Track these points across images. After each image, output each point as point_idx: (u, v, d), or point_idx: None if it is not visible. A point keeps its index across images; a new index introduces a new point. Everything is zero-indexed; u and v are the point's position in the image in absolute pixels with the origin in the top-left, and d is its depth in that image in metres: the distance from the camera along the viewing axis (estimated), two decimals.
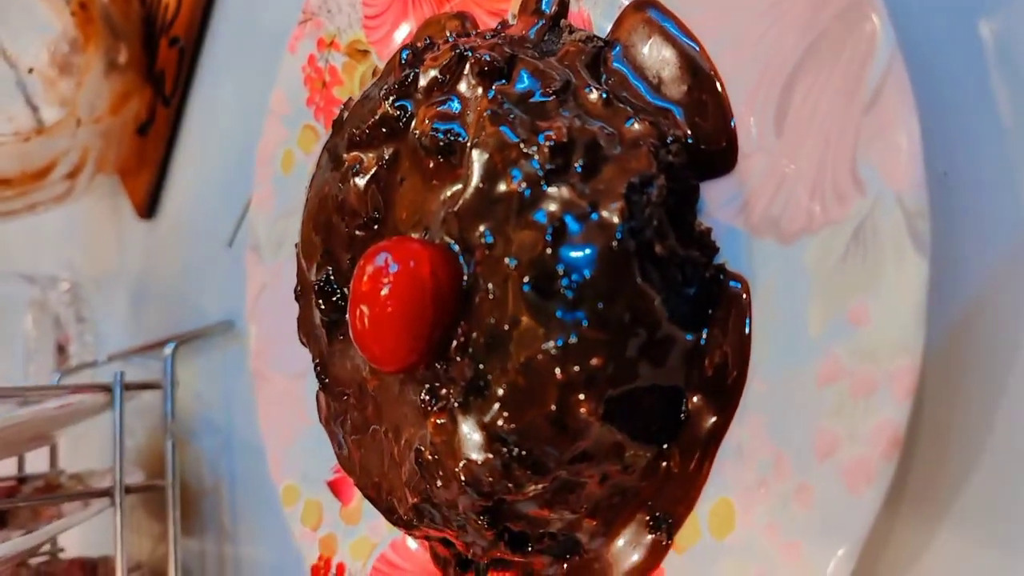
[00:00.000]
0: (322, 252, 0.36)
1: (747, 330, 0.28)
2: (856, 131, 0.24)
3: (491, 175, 0.29)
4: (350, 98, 0.37)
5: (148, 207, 0.69)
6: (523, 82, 0.30)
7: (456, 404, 0.30)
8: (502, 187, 0.29)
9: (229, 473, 0.57)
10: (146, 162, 0.68)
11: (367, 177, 0.34)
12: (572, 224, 0.28)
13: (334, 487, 0.44)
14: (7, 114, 0.69)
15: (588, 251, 0.27)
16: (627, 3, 0.32)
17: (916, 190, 0.23)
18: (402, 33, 0.43)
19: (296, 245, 0.40)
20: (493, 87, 0.30)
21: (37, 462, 0.69)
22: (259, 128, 0.57)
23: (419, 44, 0.35)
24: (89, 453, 0.71)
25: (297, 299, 0.40)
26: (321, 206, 0.37)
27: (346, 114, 0.37)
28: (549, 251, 0.28)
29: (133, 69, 0.65)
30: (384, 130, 0.33)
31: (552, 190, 0.28)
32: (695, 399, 0.29)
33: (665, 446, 0.30)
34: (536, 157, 0.28)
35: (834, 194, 0.25)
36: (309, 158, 0.47)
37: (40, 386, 0.52)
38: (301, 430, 0.46)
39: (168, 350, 0.54)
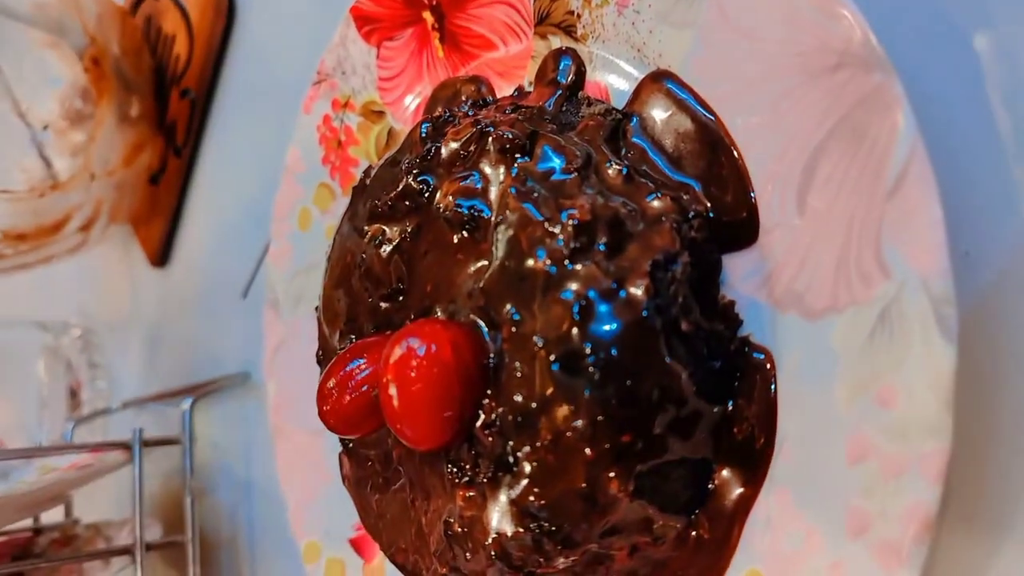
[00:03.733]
0: (345, 320, 0.37)
1: (773, 402, 0.29)
2: (880, 215, 0.25)
3: (516, 253, 0.30)
4: (370, 166, 0.38)
5: (161, 255, 0.69)
6: (545, 159, 0.31)
7: (485, 479, 0.30)
8: (528, 265, 0.29)
9: (248, 525, 0.57)
10: (158, 211, 0.68)
11: (391, 247, 0.34)
12: (598, 302, 0.28)
13: (356, 544, 0.44)
14: (20, 166, 0.69)
15: (615, 329, 0.28)
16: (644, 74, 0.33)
17: (942, 277, 0.23)
18: (416, 95, 0.43)
19: (316, 309, 0.41)
20: (515, 164, 0.31)
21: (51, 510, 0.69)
22: (270, 178, 0.57)
23: (438, 116, 0.35)
24: (102, 499, 0.71)
25: (319, 362, 0.41)
26: (343, 274, 0.37)
27: (367, 181, 0.37)
28: (576, 329, 0.28)
29: (145, 120, 0.65)
30: (407, 203, 0.34)
31: (577, 268, 0.29)
32: (723, 469, 0.30)
33: (694, 516, 0.30)
34: (561, 236, 0.29)
35: (859, 275, 0.25)
36: (325, 216, 0.47)
37: (57, 445, 0.52)
38: (322, 486, 0.47)
39: (186, 405, 0.55)
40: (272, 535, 0.56)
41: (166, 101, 0.67)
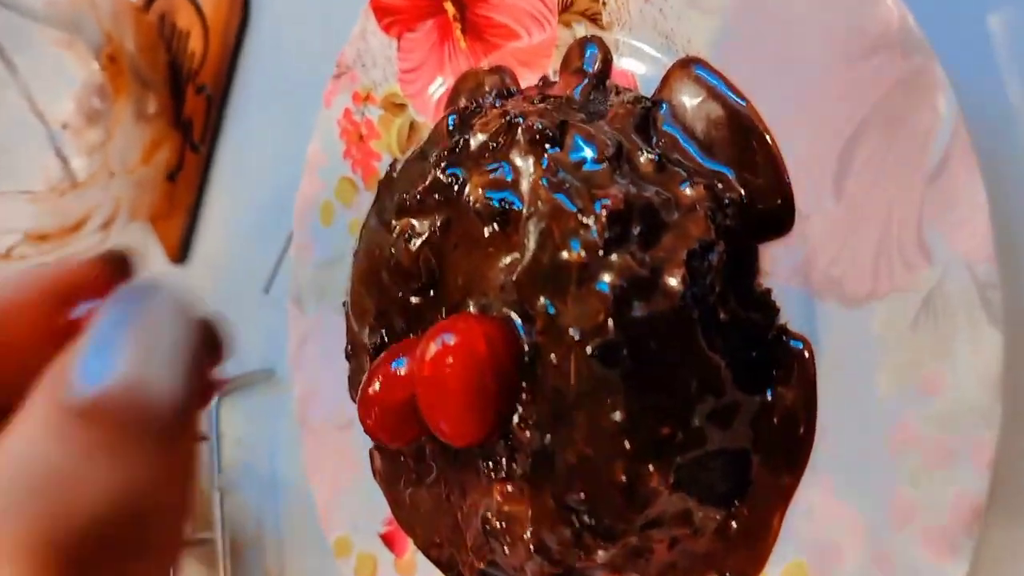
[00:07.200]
0: (375, 315, 0.37)
1: (812, 390, 0.28)
2: (921, 201, 0.24)
3: (549, 244, 0.29)
4: (395, 159, 0.38)
5: (180, 252, 0.69)
6: (576, 149, 0.30)
7: (522, 474, 0.30)
8: (561, 256, 0.29)
9: (275, 521, 0.57)
10: (176, 207, 0.68)
11: (420, 241, 0.34)
12: (634, 293, 0.28)
13: (387, 539, 0.44)
14: (38, 165, 0.69)
15: (652, 320, 0.28)
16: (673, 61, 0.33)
17: (987, 261, 0.23)
18: (438, 86, 0.43)
19: (344, 304, 0.40)
20: (546, 155, 0.31)
21: None
22: (289, 172, 0.57)
23: (465, 108, 0.35)
24: None
25: (347, 358, 0.40)
26: (372, 268, 0.37)
27: (394, 175, 0.37)
28: (612, 321, 0.28)
29: (162, 117, 0.65)
30: (436, 197, 0.33)
31: (612, 259, 0.28)
32: (763, 459, 0.29)
33: (734, 507, 0.30)
34: (594, 226, 0.29)
35: (900, 261, 0.25)
36: (349, 210, 0.47)
37: None
38: (350, 480, 0.47)
39: (212, 403, 0.55)
40: (300, 531, 0.56)
41: (182, 97, 0.66)
